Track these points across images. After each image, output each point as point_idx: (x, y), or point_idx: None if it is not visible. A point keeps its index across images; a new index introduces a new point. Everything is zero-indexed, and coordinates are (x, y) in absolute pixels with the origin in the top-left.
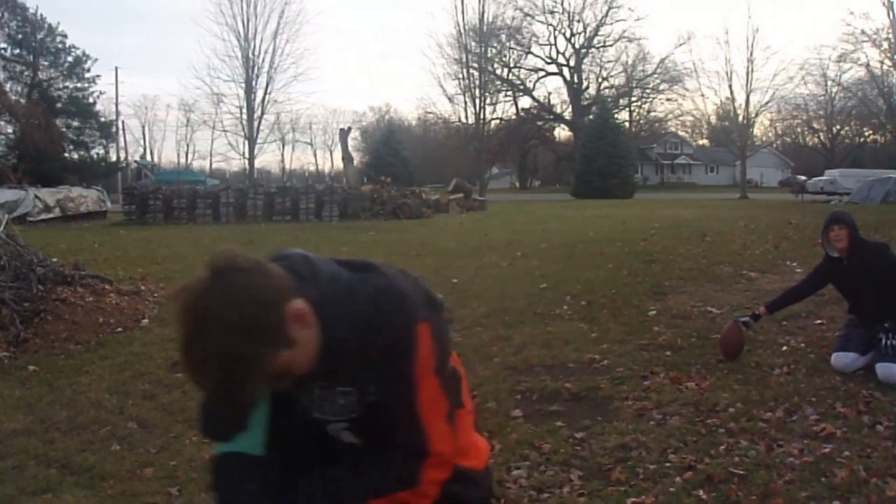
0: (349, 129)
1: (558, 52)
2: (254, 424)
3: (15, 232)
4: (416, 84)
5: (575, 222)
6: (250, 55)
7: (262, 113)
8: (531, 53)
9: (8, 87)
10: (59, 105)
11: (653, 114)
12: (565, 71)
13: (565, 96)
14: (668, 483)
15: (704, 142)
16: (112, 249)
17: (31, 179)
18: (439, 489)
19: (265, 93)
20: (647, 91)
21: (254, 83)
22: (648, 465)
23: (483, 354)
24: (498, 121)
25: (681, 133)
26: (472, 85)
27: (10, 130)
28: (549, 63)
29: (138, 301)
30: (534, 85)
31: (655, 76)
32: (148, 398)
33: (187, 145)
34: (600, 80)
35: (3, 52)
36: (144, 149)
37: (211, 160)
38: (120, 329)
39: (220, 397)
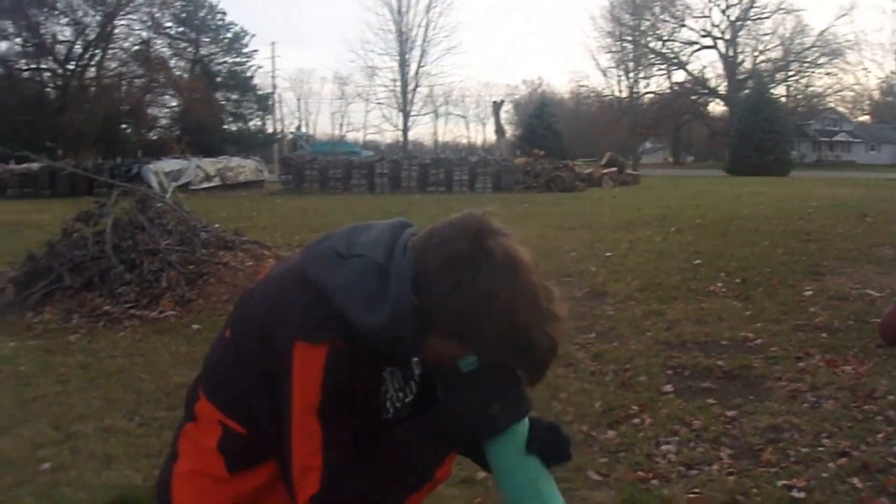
0: (502, 102)
1: (713, 24)
2: None
3: (181, 199)
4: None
5: (729, 199)
6: (403, 28)
7: (416, 86)
8: (685, 26)
9: (172, 63)
10: (219, 79)
11: (811, 88)
12: (720, 44)
13: (720, 70)
14: (820, 468)
15: (866, 118)
16: (270, 217)
17: (193, 150)
18: None
19: (418, 66)
20: (806, 65)
21: (407, 56)
22: (801, 448)
23: (636, 328)
24: (651, 95)
25: (840, 109)
26: (626, 58)
27: (174, 104)
28: (703, 36)
29: None
30: (688, 58)
31: (814, 49)
32: None
33: (341, 117)
34: (756, 53)
35: (168, 30)
36: (300, 121)
37: (365, 132)
38: None
39: None
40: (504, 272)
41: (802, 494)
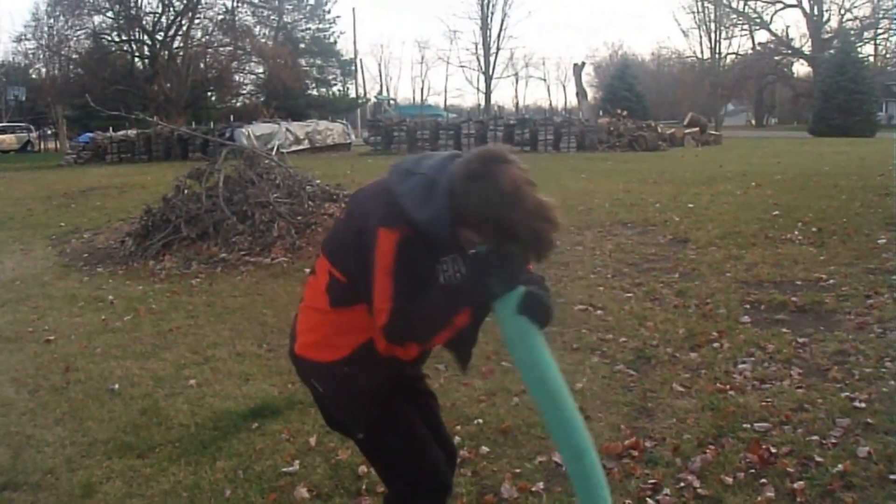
0: (583, 64)
1: None
2: None
3: (285, 157)
4: (650, 19)
5: (811, 157)
6: None
7: (498, 49)
8: None
9: (256, 30)
10: (302, 45)
11: None
12: (804, 2)
13: (804, 29)
14: (882, 385)
15: None
16: (363, 175)
17: (280, 114)
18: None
19: (500, 28)
20: None
21: (489, 20)
22: (865, 368)
23: (716, 269)
24: (734, 56)
25: None
26: (707, 19)
27: (259, 70)
28: None
29: None
30: (771, 18)
31: None
32: None
33: (422, 81)
34: (843, 11)
35: None
36: (381, 85)
37: (446, 96)
38: None
39: None
40: (500, 186)
41: (864, 405)
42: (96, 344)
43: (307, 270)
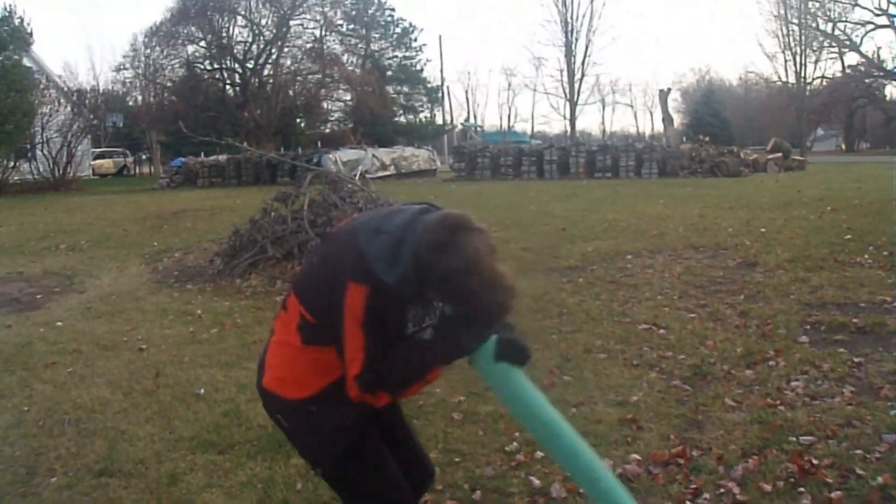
0: (668, 90)
1: (889, 1)
2: None
3: (367, 181)
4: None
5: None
6: (568, 19)
7: (583, 75)
8: (858, 6)
9: (344, 58)
10: (389, 73)
11: None
12: None
13: None
14: None
15: None
16: (446, 200)
17: (368, 141)
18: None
19: (584, 55)
20: None
21: (573, 46)
22: None
23: (781, 292)
24: (821, 79)
25: None
26: (793, 42)
27: (347, 98)
28: (878, 15)
29: None
30: (861, 40)
31: None
32: None
33: (509, 108)
34: None
35: (340, 27)
36: (468, 112)
37: (533, 122)
38: None
39: None
40: (464, 258)
41: None
42: (184, 353)
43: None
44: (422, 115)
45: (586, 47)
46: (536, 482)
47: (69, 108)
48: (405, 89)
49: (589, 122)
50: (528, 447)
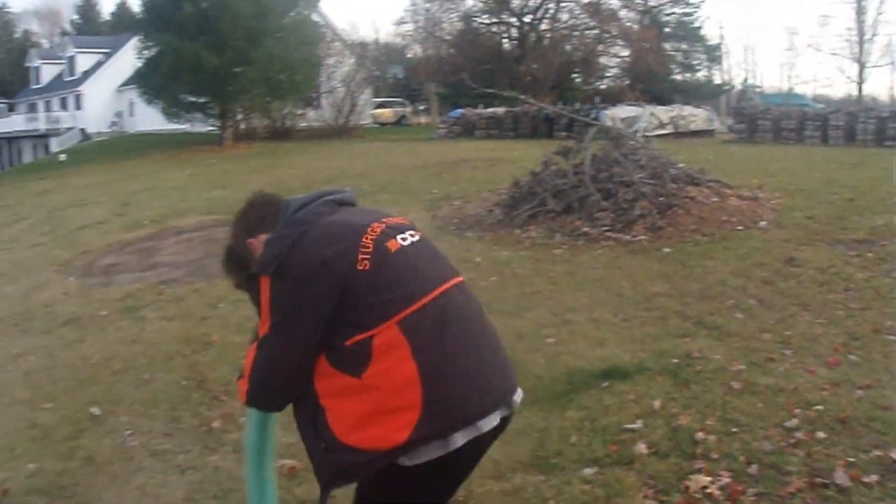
0: None
1: None
2: None
3: (650, 139)
4: None
5: None
6: None
7: (874, 34)
8: None
9: (622, 14)
10: (667, 30)
11: None
12: None
13: None
14: None
15: None
16: (726, 162)
17: (645, 98)
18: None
19: (877, 13)
20: None
21: (864, 2)
22: None
23: None
24: None
25: None
26: None
27: (624, 54)
28: None
29: (756, 205)
30: None
31: None
32: (767, 283)
33: (789, 69)
34: None
35: None
36: (746, 72)
37: (815, 85)
38: (740, 227)
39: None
40: None
41: None
42: None
43: (666, 250)
44: (700, 74)
45: (880, 3)
46: (818, 464)
47: (353, 60)
48: (683, 47)
49: (877, 86)
50: (810, 425)
